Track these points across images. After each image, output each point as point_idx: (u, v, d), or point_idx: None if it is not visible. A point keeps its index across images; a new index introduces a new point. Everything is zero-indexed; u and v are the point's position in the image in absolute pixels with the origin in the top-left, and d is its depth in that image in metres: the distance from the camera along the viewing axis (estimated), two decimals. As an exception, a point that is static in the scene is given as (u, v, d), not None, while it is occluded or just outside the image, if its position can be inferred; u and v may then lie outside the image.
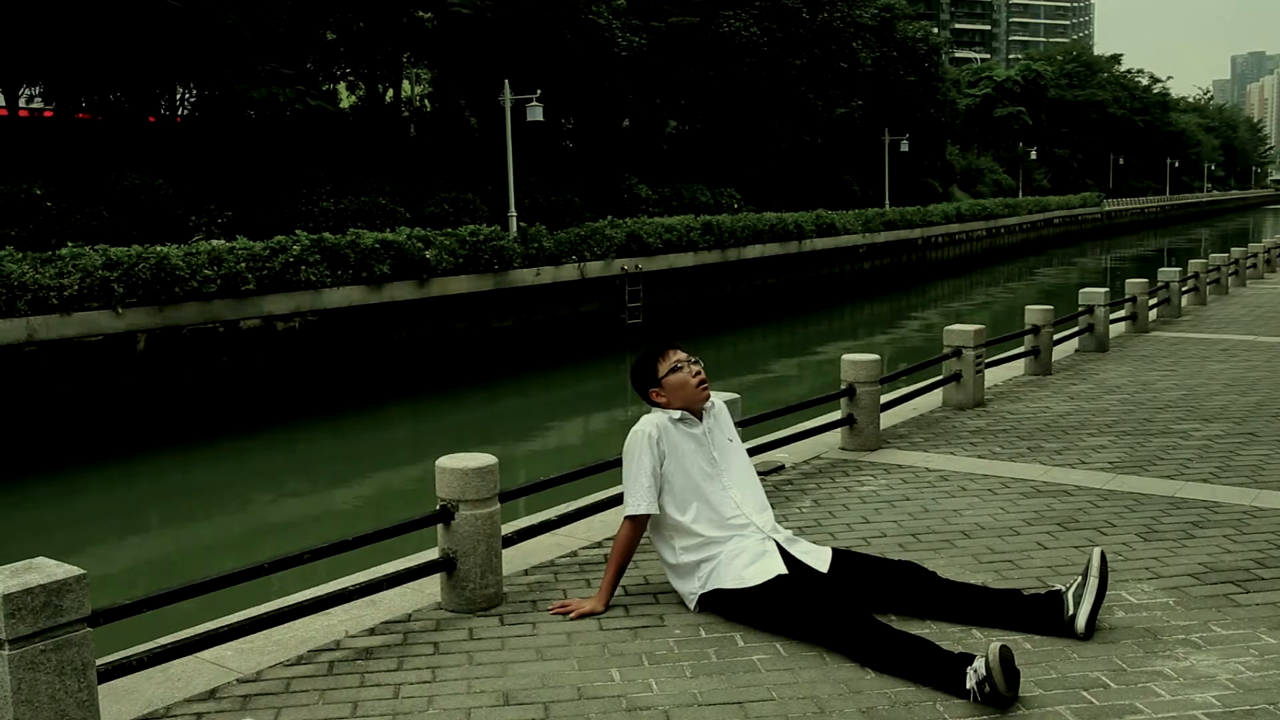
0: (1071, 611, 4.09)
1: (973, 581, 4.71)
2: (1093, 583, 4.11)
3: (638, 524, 4.41)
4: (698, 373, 4.48)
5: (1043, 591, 4.27)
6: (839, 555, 4.38)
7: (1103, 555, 4.16)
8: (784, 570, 4.20)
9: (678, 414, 4.48)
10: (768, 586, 4.14)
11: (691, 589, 4.38)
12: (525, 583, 4.84)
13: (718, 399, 4.69)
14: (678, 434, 4.45)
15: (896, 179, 46.19)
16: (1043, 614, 4.13)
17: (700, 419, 4.53)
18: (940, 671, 3.65)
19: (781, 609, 4.10)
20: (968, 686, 3.54)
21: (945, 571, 4.86)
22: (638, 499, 4.36)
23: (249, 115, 23.41)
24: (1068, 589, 4.17)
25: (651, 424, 4.44)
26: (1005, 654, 3.51)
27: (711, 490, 4.40)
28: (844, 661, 3.92)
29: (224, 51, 21.30)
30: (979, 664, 3.54)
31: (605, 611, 4.43)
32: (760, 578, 4.18)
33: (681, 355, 4.51)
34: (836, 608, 3.99)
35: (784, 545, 4.35)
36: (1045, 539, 5.34)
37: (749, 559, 4.25)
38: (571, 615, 4.39)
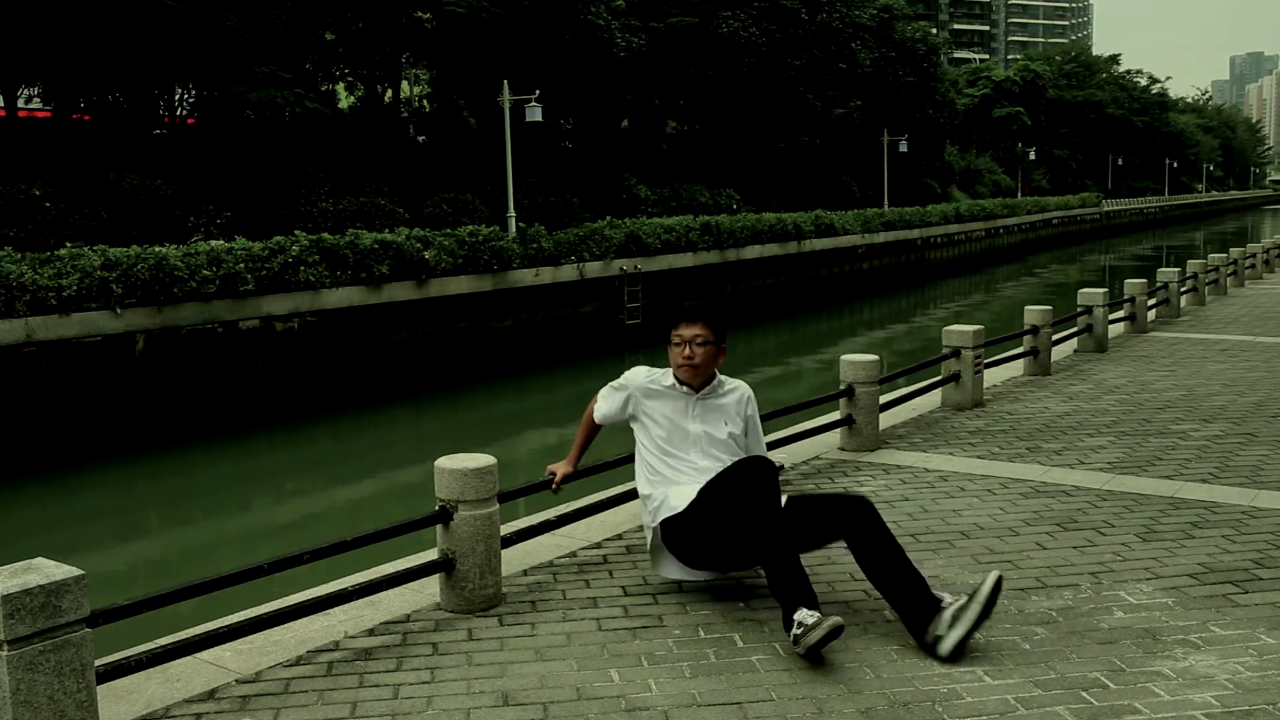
0: (941, 633, 3.93)
1: (974, 581, 4.72)
2: (975, 609, 3.95)
3: (594, 414, 4.91)
4: (688, 355, 4.58)
5: (942, 596, 4.10)
6: (792, 503, 4.43)
7: (998, 581, 4.00)
8: (709, 480, 4.41)
9: (670, 380, 4.70)
10: (694, 503, 4.39)
11: (647, 521, 4.67)
12: (524, 583, 4.84)
13: (730, 381, 4.79)
14: (661, 398, 4.68)
15: (895, 179, 46.20)
16: (914, 622, 4.04)
17: (698, 389, 4.65)
18: (788, 595, 3.97)
19: (707, 518, 4.32)
20: (792, 631, 3.90)
21: (945, 572, 4.87)
22: (603, 394, 4.87)
23: (248, 116, 23.40)
24: (948, 606, 4.00)
25: (645, 377, 4.74)
26: (830, 635, 3.80)
27: (679, 451, 4.61)
28: (843, 663, 3.93)
29: (222, 53, 21.30)
30: (809, 619, 3.84)
31: (574, 471, 4.94)
32: (683, 503, 4.42)
33: (685, 333, 4.60)
34: (753, 506, 4.15)
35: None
36: (1044, 539, 5.34)
37: (685, 491, 4.47)
38: (555, 485, 4.89)
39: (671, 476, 4.58)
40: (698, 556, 4.49)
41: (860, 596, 4.57)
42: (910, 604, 4.07)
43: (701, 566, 4.54)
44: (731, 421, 4.68)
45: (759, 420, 4.90)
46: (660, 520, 4.50)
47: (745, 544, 4.22)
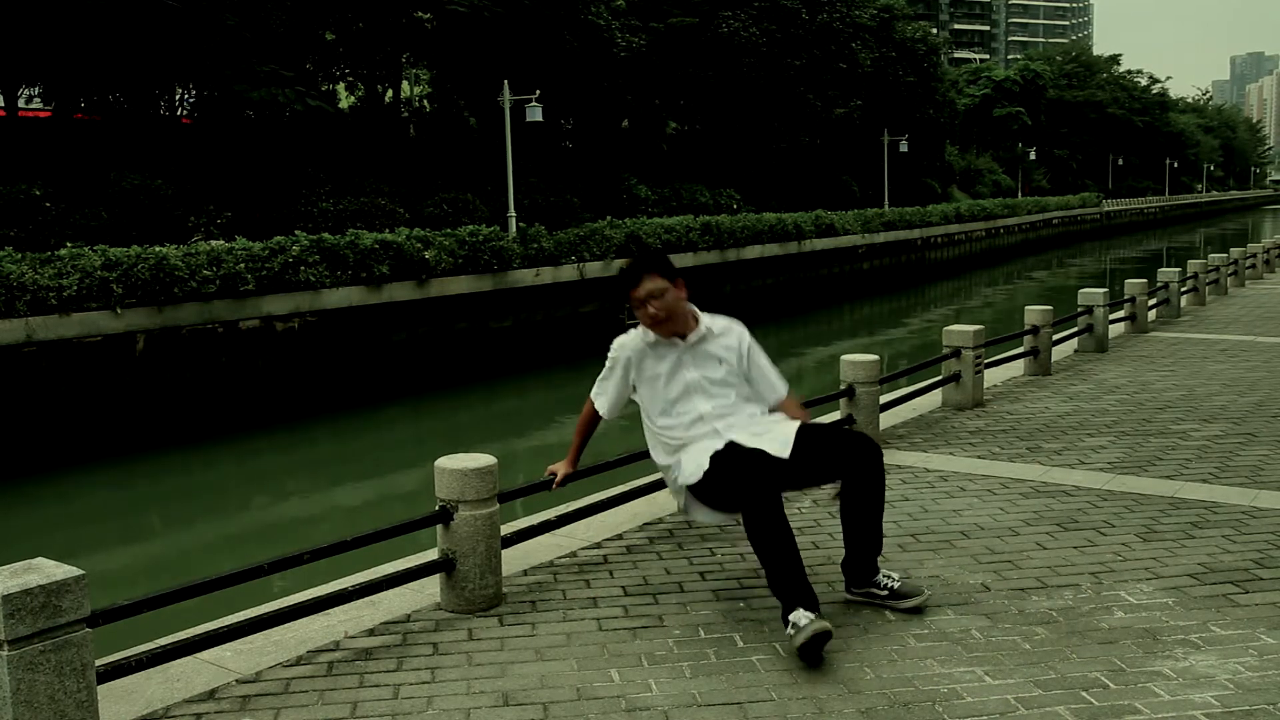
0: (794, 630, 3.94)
1: (974, 581, 4.73)
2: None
3: (593, 408, 4.82)
4: (654, 313, 4.45)
5: (887, 578, 4.45)
6: (803, 432, 4.38)
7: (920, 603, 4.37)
8: (718, 450, 4.33)
9: (653, 337, 4.58)
10: (705, 475, 4.35)
11: (673, 490, 4.68)
12: (525, 583, 4.84)
13: (720, 323, 4.64)
14: (652, 356, 4.59)
15: (896, 179, 46.21)
16: (854, 574, 4.47)
17: (686, 337, 4.54)
18: (786, 593, 4.02)
19: (715, 489, 4.36)
20: (787, 630, 3.97)
21: (945, 572, 4.88)
22: (596, 390, 4.80)
23: (248, 116, 23.42)
24: (885, 587, 4.41)
25: (630, 343, 4.64)
26: (816, 638, 3.86)
27: (681, 403, 4.52)
28: (843, 663, 3.93)
29: (223, 52, 21.31)
30: (801, 621, 3.91)
31: (574, 471, 4.90)
32: (699, 472, 4.38)
33: (640, 294, 4.45)
34: (750, 487, 4.13)
35: (741, 439, 4.35)
36: (1045, 539, 5.34)
37: (695, 454, 4.42)
38: (556, 484, 4.86)
39: (681, 436, 4.50)
40: (725, 504, 4.47)
41: (860, 596, 4.57)
42: (859, 558, 4.42)
43: (732, 510, 4.48)
44: (725, 361, 4.55)
45: (762, 356, 4.68)
46: (680, 486, 4.53)
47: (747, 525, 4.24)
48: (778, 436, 4.37)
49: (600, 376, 4.78)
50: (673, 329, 4.51)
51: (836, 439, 4.46)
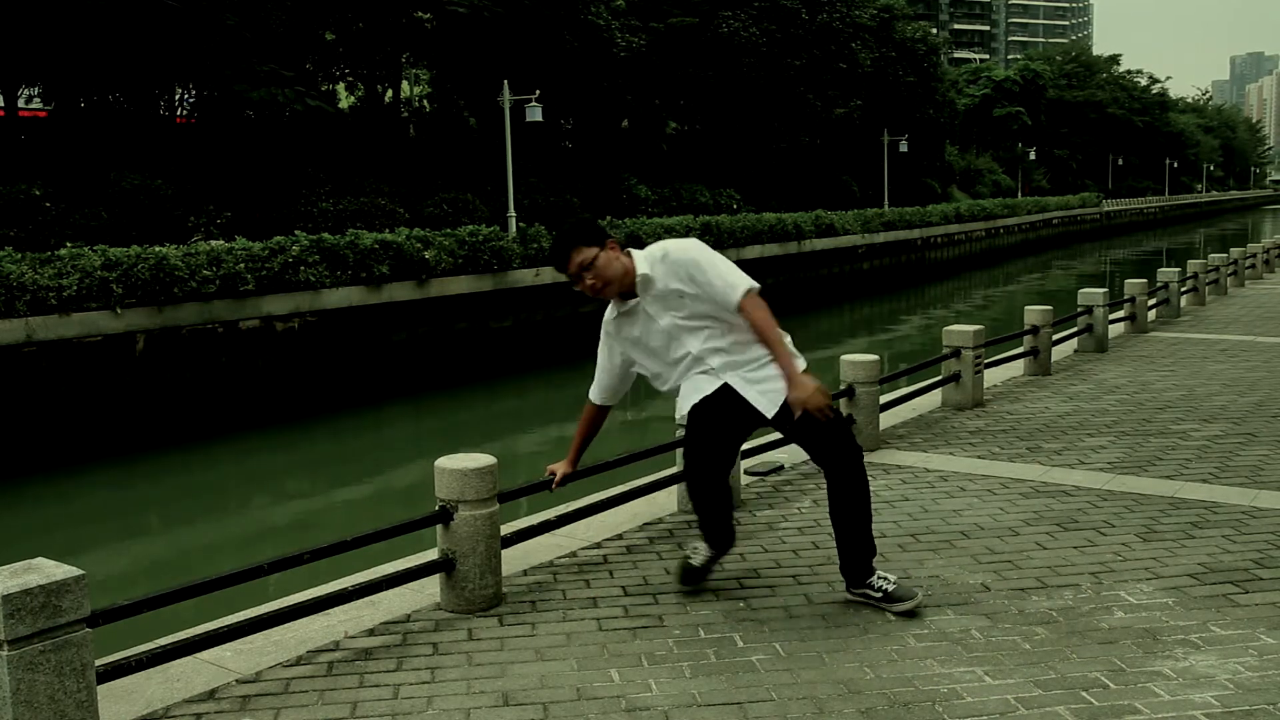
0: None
1: (974, 581, 4.73)
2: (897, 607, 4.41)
3: (591, 405, 4.77)
4: (591, 284, 4.30)
5: (881, 580, 4.49)
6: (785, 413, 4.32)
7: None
8: (707, 395, 4.32)
9: (615, 309, 4.48)
10: (688, 418, 4.44)
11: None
12: (524, 583, 4.84)
13: (659, 263, 4.32)
14: (625, 322, 4.48)
15: (896, 179, 46.21)
16: (849, 575, 4.54)
17: (634, 294, 4.37)
18: (703, 533, 4.66)
19: (686, 440, 4.62)
20: (685, 551, 4.75)
21: (945, 572, 4.88)
22: (595, 388, 4.74)
23: (248, 116, 23.42)
24: (879, 590, 4.45)
25: (606, 318, 4.57)
26: (690, 571, 4.66)
27: (670, 351, 4.40)
28: (843, 664, 3.93)
29: (223, 52, 21.31)
30: (697, 553, 4.68)
31: (574, 471, 4.83)
32: (684, 410, 4.44)
33: (573, 266, 4.28)
34: (700, 452, 4.47)
35: (734, 384, 4.31)
36: (1044, 539, 5.34)
37: (691, 388, 4.39)
38: (555, 484, 4.80)
39: (679, 374, 4.43)
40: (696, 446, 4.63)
41: (858, 597, 4.57)
42: (847, 560, 4.49)
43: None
44: (685, 294, 4.28)
45: (706, 269, 4.24)
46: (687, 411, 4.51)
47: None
48: (769, 392, 4.28)
49: (595, 372, 4.74)
50: (620, 289, 4.35)
51: (820, 433, 4.34)
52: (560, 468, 4.87)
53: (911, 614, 4.35)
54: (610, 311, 4.53)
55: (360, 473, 14.81)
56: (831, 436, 4.38)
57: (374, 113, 29.27)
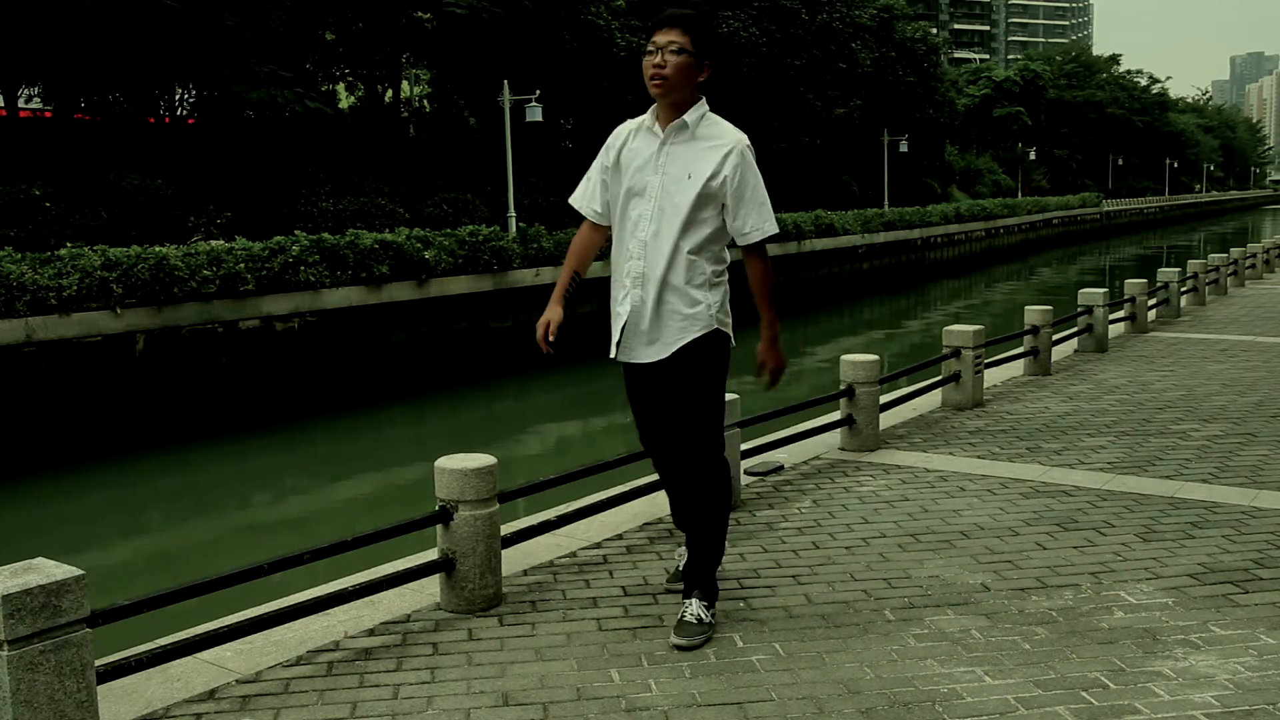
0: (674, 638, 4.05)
1: (974, 581, 4.73)
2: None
3: (585, 222, 4.24)
4: (658, 64, 3.71)
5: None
6: (680, 379, 4.06)
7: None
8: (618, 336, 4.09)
9: (649, 119, 3.90)
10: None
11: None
12: (524, 583, 4.84)
13: (722, 127, 3.85)
14: (640, 139, 3.90)
15: (895, 179, 46.22)
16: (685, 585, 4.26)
17: (665, 127, 3.85)
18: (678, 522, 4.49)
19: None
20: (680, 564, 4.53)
21: (945, 572, 4.87)
22: (577, 191, 4.18)
23: (248, 116, 23.44)
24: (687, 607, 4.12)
25: (629, 123, 4.01)
26: (675, 576, 4.57)
27: (625, 220, 3.99)
28: (843, 664, 3.93)
29: (223, 52, 21.32)
30: (680, 550, 4.53)
31: (560, 314, 4.21)
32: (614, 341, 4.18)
33: (660, 39, 3.73)
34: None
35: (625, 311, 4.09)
36: (1044, 539, 5.34)
37: (613, 322, 4.17)
38: (549, 338, 4.13)
39: (616, 284, 4.15)
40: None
41: (860, 596, 4.57)
42: (687, 565, 4.26)
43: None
44: (696, 174, 3.79)
45: (752, 183, 3.83)
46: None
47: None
48: (668, 338, 4.05)
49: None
50: (662, 94, 3.77)
51: (679, 428, 4.02)
52: (551, 317, 4.15)
53: (682, 648, 4.01)
54: (629, 125, 4.00)
55: (360, 473, 14.81)
56: (690, 441, 4.03)
57: (374, 113, 29.28)
